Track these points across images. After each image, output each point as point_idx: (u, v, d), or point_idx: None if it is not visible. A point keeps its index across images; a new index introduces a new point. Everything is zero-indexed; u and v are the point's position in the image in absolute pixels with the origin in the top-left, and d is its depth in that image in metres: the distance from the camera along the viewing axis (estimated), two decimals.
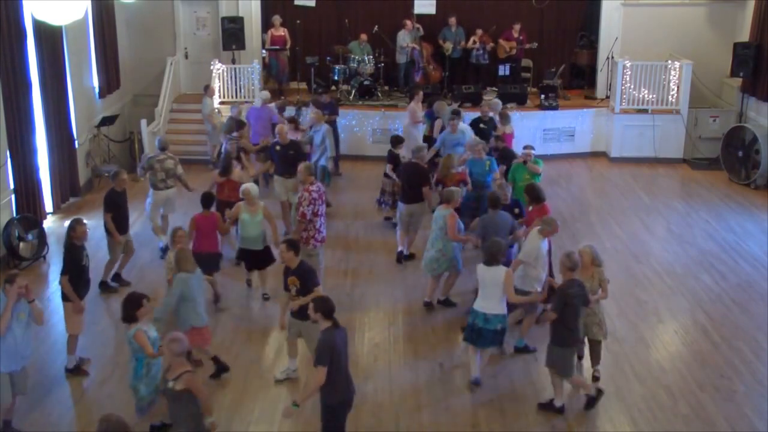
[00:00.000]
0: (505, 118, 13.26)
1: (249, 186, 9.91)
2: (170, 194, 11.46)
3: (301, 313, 7.59)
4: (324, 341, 6.33)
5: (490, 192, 10.02)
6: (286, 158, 11.68)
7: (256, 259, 10.06)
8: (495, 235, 8.74)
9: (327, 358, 6.27)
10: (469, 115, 14.29)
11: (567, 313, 7.44)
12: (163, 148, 11.46)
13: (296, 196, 10.17)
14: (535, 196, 9.61)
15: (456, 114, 12.93)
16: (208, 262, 9.24)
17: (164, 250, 10.93)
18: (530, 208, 9.72)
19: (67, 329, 8.41)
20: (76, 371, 8.32)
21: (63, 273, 8.25)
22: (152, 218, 11.54)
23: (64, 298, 8.35)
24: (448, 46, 16.88)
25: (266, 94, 14.77)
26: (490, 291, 7.94)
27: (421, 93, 14.32)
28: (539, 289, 8.55)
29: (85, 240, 8.40)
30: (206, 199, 9.89)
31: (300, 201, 9.64)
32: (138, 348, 6.81)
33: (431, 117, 13.82)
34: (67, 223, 8.57)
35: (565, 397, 7.83)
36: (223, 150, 12.20)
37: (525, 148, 11.24)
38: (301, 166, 9.98)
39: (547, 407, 7.76)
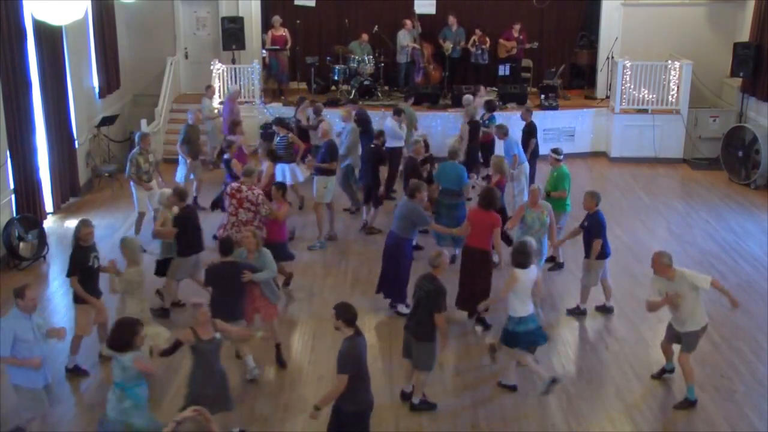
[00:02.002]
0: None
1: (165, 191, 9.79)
2: (153, 186, 11.71)
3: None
4: (348, 350, 6.31)
5: (411, 183, 9.88)
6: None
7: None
8: (401, 223, 9.33)
9: (351, 367, 6.28)
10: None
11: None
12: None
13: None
14: (486, 201, 9.16)
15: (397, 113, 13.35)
16: (277, 251, 9.30)
17: None
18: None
19: (75, 329, 8.36)
20: (76, 371, 8.32)
21: (70, 274, 8.15)
22: (141, 209, 11.73)
23: (76, 299, 8.27)
24: (448, 45, 16.88)
25: (233, 89, 15.14)
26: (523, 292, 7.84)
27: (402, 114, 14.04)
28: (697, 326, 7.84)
29: (91, 241, 8.33)
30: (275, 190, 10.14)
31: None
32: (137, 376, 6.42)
33: None
34: (69, 223, 8.53)
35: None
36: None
37: (552, 151, 10.90)
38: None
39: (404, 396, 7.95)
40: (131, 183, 11.71)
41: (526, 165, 12.52)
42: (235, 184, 10.00)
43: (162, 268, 9.64)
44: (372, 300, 10.04)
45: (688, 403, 7.81)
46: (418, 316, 7.59)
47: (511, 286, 7.77)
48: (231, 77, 16.39)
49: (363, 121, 13.75)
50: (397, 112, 13.41)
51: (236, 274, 7.93)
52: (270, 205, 9.84)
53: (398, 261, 9.50)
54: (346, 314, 6.37)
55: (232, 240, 8.42)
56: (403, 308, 9.63)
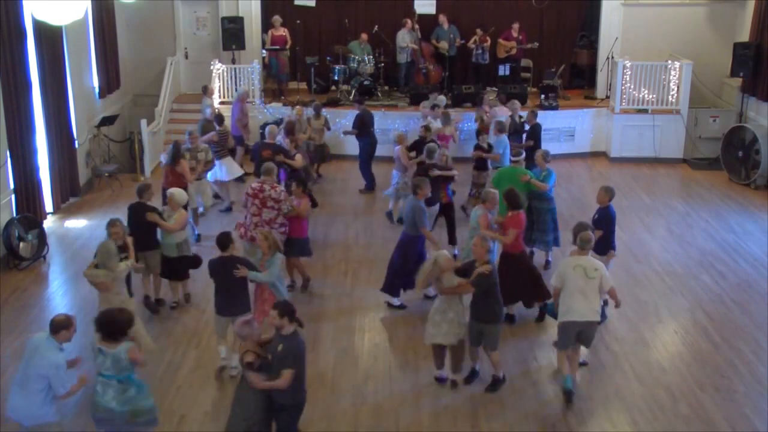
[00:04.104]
0: (446, 118, 13.34)
1: (175, 191, 9.86)
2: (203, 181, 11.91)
3: None
4: (292, 346, 6.35)
5: (414, 180, 9.96)
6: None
7: (169, 267, 9.69)
8: (407, 220, 9.52)
9: (294, 362, 6.32)
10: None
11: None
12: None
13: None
14: (514, 202, 9.31)
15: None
16: (298, 247, 9.56)
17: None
18: (509, 214, 9.33)
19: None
20: None
21: None
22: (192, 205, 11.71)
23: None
24: (444, 45, 16.89)
25: (242, 89, 15.23)
26: None
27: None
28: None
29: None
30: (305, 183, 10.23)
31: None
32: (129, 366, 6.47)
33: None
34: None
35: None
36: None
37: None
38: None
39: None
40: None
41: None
42: (255, 184, 9.94)
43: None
44: (372, 300, 10.04)
45: (568, 396, 7.85)
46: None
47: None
48: (231, 77, 16.40)
49: (364, 122, 13.79)
50: (432, 107, 13.80)
51: (231, 268, 8.02)
52: (291, 202, 9.85)
53: (406, 257, 9.59)
54: (286, 310, 6.40)
55: (229, 235, 8.31)
56: (395, 301, 9.82)
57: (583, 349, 8.40)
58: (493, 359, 8.06)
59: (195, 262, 9.84)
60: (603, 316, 8.51)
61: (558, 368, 8.23)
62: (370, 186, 14.11)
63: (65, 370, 6.33)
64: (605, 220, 9.29)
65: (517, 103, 13.90)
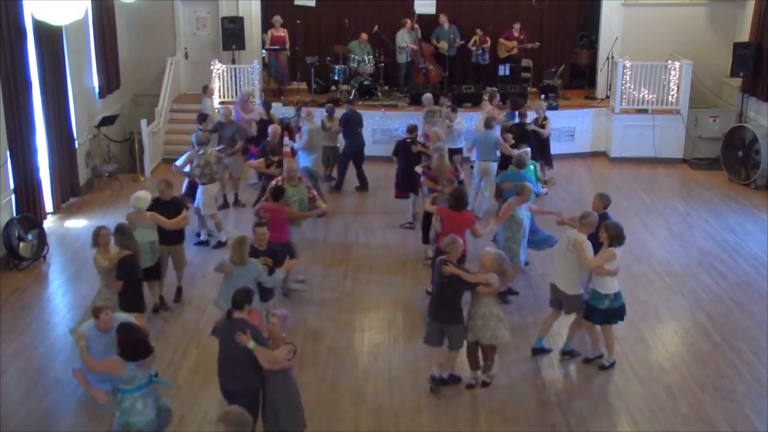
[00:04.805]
0: (429, 116, 13.36)
1: (140, 193, 9.44)
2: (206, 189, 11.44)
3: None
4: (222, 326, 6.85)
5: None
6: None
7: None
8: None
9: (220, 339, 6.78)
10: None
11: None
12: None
13: None
14: (455, 203, 9.29)
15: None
16: (280, 253, 9.20)
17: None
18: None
19: None
20: None
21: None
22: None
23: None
24: (444, 45, 16.89)
25: (244, 92, 15.11)
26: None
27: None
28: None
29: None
30: (276, 192, 9.74)
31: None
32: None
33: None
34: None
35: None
36: None
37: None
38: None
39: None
40: (200, 186, 11.36)
41: (490, 164, 12.50)
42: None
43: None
44: (372, 300, 10.05)
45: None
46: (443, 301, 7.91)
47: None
48: (231, 77, 16.40)
49: (350, 122, 13.72)
50: (453, 109, 13.78)
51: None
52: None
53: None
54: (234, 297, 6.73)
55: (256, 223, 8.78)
56: None
57: (585, 347, 8.60)
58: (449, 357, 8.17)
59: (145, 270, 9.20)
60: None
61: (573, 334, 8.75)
62: (340, 182, 14.13)
63: (79, 348, 6.65)
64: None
65: (542, 104, 13.93)
